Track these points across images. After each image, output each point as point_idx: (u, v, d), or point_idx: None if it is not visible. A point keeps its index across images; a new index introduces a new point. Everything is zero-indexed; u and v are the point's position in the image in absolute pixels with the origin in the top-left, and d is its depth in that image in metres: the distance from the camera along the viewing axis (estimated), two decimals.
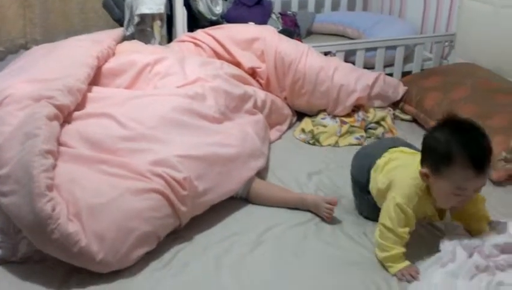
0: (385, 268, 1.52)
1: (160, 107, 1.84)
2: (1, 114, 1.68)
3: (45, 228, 1.39)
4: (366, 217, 1.75)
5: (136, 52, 2.14)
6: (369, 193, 1.70)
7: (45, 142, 1.52)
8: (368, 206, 1.73)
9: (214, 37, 2.36)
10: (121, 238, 1.47)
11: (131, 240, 1.48)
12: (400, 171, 1.58)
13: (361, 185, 1.73)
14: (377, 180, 1.64)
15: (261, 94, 2.27)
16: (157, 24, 2.50)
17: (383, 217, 1.53)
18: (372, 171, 1.69)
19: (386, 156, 1.68)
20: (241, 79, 2.25)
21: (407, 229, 1.50)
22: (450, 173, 1.41)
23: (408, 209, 1.49)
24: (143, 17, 2.46)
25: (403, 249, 1.50)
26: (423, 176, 1.47)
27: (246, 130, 1.97)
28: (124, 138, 1.70)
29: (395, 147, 1.73)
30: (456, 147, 1.39)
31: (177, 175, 1.61)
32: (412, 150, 1.70)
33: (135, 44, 2.28)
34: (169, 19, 2.63)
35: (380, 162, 1.67)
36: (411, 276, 1.46)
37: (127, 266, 1.51)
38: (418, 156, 1.54)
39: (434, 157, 1.44)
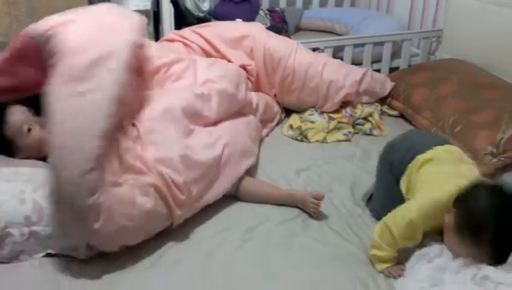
0: (372, 264, 1.52)
1: (166, 98, 1.83)
2: None
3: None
4: (374, 210, 1.71)
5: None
6: (398, 184, 1.60)
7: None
8: (389, 198, 1.62)
9: (202, 36, 2.34)
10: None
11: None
12: (433, 181, 1.48)
13: (396, 174, 1.61)
14: (410, 177, 1.56)
15: (255, 97, 2.28)
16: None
17: (391, 221, 1.47)
18: (409, 166, 1.57)
19: (430, 153, 1.57)
20: (242, 79, 2.25)
21: (409, 243, 1.47)
22: (470, 242, 1.35)
23: (420, 227, 1.43)
24: None
25: (396, 254, 1.49)
26: (445, 220, 1.40)
27: (238, 131, 1.97)
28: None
29: (440, 145, 1.62)
30: (487, 225, 1.31)
31: (177, 178, 1.61)
32: (458, 153, 1.61)
33: (161, 49, 2.18)
34: (156, 16, 2.61)
35: (420, 157, 1.56)
36: (398, 274, 1.46)
37: (117, 263, 1.51)
38: (462, 167, 1.50)
39: (466, 224, 1.35)
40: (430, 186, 1.48)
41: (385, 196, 1.67)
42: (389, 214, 1.50)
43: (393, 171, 1.62)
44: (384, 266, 1.49)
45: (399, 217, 1.46)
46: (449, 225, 1.39)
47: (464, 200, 1.38)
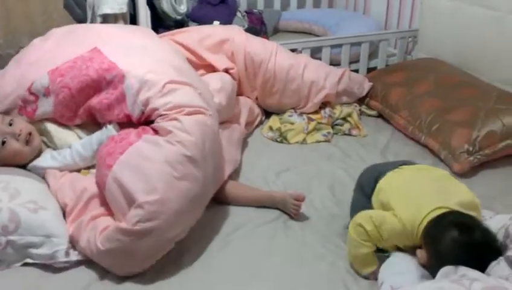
0: (356, 271, 1.51)
1: None
2: None
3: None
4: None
5: None
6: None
7: None
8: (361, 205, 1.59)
9: (183, 45, 2.30)
10: None
11: None
12: (404, 207, 1.45)
13: (366, 193, 1.62)
14: (379, 197, 1.55)
15: (238, 102, 2.29)
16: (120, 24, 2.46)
17: (364, 219, 1.46)
18: (380, 182, 1.58)
19: (398, 171, 1.59)
20: (235, 90, 2.26)
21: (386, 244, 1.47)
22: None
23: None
24: (105, 17, 2.41)
25: (374, 248, 1.47)
26: (418, 255, 1.39)
27: (223, 138, 1.95)
28: None
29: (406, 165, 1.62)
30: (465, 264, 1.26)
31: None
32: (435, 173, 1.59)
33: None
34: (132, 19, 2.59)
35: (390, 174, 1.58)
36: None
37: (98, 271, 1.50)
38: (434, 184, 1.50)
39: (438, 258, 1.33)
40: (402, 212, 1.44)
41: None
42: (360, 214, 1.50)
43: (365, 192, 1.63)
44: (369, 269, 1.48)
45: (382, 216, 1.46)
46: (424, 258, 1.37)
47: (433, 243, 1.35)
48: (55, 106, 1.81)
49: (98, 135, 1.75)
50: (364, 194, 1.62)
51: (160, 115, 1.65)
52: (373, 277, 1.47)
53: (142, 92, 1.70)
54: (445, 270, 1.25)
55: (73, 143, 1.79)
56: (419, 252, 1.39)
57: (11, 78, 1.88)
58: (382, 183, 1.57)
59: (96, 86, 1.77)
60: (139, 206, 1.44)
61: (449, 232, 1.31)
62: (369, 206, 1.58)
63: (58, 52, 1.88)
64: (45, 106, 1.82)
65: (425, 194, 1.46)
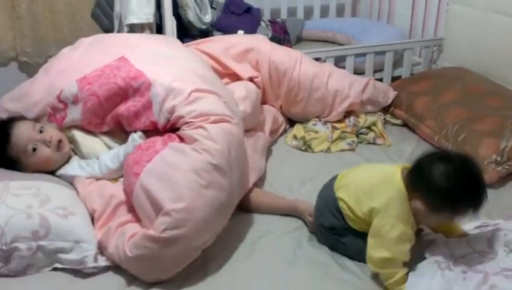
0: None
1: None
2: None
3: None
4: (359, 261, 1.57)
5: None
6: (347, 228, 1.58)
7: None
8: (355, 246, 1.57)
9: (208, 54, 2.33)
10: None
11: None
12: (382, 188, 1.47)
13: (336, 226, 1.59)
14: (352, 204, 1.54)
15: (263, 111, 2.30)
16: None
17: (378, 249, 1.44)
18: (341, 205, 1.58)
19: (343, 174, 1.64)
20: (259, 99, 2.27)
21: (408, 247, 1.44)
22: (449, 213, 1.40)
23: (412, 232, 1.44)
24: (132, 27, 2.45)
25: (407, 269, 1.46)
26: (414, 206, 1.42)
27: (248, 146, 1.96)
28: None
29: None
30: (462, 195, 1.36)
31: None
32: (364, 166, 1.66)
33: None
34: (158, 29, 2.63)
35: (340, 176, 1.63)
36: None
37: (125, 277, 1.51)
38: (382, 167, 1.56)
39: (434, 198, 1.38)
40: (384, 192, 1.46)
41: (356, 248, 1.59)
42: (371, 246, 1.47)
43: (332, 227, 1.61)
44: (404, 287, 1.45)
45: (384, 239, 1.43)
46: (421, 209, 1.40)
47: (424, 183, 1.39)
48: (84, 114, 1.84)
49: (124, 148, 1.77)
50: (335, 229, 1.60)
51: (186, 123, 1.67)
52: None
53: (168, 100, 1.72)
54: None
55: (101, 155, 1.82)
56: (413, 203, 1.41)
57: (40, 87, 1.92)
58: (339, 182, 1.61)
59: (124, 93, 1.80)
60: (166, 213, 1.45)
61: (436, 168, 1.37)
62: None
63: (86, 61, 1.92)
64: (74, 114, 1.86)
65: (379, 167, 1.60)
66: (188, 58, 1.99)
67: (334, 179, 1.67)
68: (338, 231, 1.59)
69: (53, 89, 1.88)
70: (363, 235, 1.52)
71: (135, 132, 1.81)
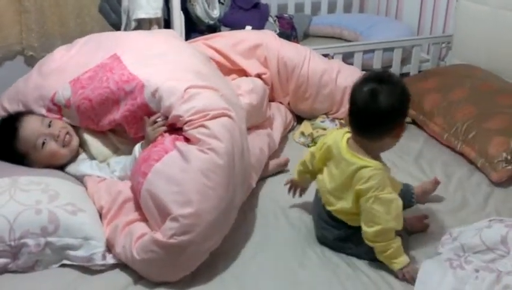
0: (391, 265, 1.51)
1: None
2: None
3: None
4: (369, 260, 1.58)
5: None
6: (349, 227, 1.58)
7: None
8: (362, 246, 1.55)
9: (216, 50, 2.31)
10: None
11: None
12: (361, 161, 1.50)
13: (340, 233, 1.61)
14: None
15: (271, 108, 2.29)
16: (154, 29, 2.49)
17: (368, 224, 1.48)
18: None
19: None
20: (266, 94, 2.26)
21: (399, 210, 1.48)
22: (395, 124, 1.56)
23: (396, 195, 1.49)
24: (140, 21, 2.44)
25: (400, 239, 1.49)
26: (371, 150, 1.52)
27: (257, 145, 1.96)
28: None
29: None
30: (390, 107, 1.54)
31: None
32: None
33: None
34: (166, 24, 2.62)
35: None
36: (412, 276, 1.46)
37: (132, 274, 1.51)
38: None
39: (405, 107, 1.57)
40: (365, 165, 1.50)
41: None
42: (366, 220, 1.49)
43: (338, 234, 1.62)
44: (400, 261, 1.48)
45: (385, 210, 1.46)
46: (375, 144, 1.54)
47: (399, 105, 1.58)
48: (79, 116, 1.85)
49: (131, 159, 1.76)
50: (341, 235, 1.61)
51: (186, 122, 1.64)
52: (401, 274, 1.48)
53: (163, 101, 1.70)
54: None
55: (111, 162, 1.83)
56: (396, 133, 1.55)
57: (33, 87, 1.93)
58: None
59: (115, 97, 1.78)
60: (174, 219, 1.44)
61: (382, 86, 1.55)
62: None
63: (80, 60, 1.92)
64: (70, 117, 1.87)
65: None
66: (182, 54, 1.95)
67: (317, 193, 1.68)
68: (343, 237, 1.60)
69: (46, 90, 1.88)
70: None
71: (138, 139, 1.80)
